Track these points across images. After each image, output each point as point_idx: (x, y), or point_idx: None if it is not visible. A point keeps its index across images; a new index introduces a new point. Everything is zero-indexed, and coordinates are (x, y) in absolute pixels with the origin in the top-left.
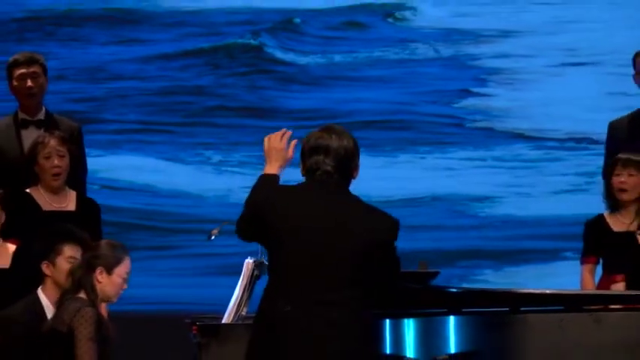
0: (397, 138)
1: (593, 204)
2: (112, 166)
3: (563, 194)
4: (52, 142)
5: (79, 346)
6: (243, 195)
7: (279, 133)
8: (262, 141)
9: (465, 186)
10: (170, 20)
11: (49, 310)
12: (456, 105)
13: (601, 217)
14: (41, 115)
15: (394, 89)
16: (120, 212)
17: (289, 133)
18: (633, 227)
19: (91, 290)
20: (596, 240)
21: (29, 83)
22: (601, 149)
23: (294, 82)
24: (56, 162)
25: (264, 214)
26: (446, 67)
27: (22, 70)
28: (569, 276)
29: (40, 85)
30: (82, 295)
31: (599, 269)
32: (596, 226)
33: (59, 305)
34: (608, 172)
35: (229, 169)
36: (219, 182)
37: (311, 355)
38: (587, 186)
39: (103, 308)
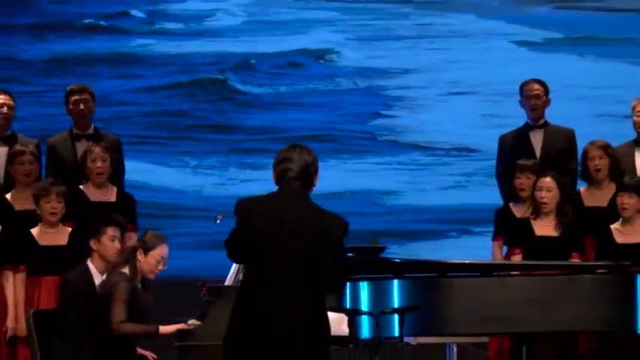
0: (326, 148)
1: (471, 196)
2: None
3: (449, 189)
4: (97, 150)
5: (112, 306)
6: (213, 190)
7: None
8: (227, 151)
9: (376, 183)
10: (159, 61)
11: (96, 276)
12: (369, 124)
13: (507, 206)
14: (90, 131)
15: (324, 112)
16: None
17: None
18: (528, 214)
19: (133, 266)
20: (503, 224)
21: (81, 107)
22: (476, 156)
23: (250, 106)
24: (99, 164)
25: (245, 218)
26: (362, 96)
27: (76, 97)
28: (453, 249)
29: (89, 108)
30: (126, 269)
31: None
32: (503, 213)
33: (107, 275)
34: (510, 176)
35: (203, 171)
36: (195, 181)
37: (285, 324)
38: (466, 183)
39: None
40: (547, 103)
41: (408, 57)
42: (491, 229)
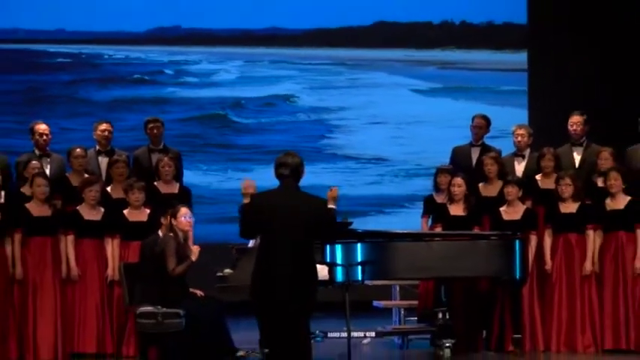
0: None
1: (383, 189)
2: None
3: (370, 184)
4: (166, 159)
5: (166, 258)
6: (218, 186)
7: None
8: (226, 160)
9: (322, 181)
10: (182, 102)
11: None
12: (318, 142)
13: (432, 195)
14: (161, 146)
15: (289, 135)
16: None
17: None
18: (445, 200)
19: (172, 230)
20: (429, 206)
21: (155, 131)
22: (387, 164)
23: (241, 131)
24: (167, 169)
25: (256, 208)
26: (313, 125)
27: (152, 125)
28: (372, 224)
29: (160, 132)
30: (172, 233)
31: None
32: (429, 200)
33: (162, 237)
34: (434, 175)
35: (210, 173)
36: (205, 180)
37: (287, 275)
38: (381, 181)
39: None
40: (487, 132)
41: (343, 99)
42: (398, 211)
